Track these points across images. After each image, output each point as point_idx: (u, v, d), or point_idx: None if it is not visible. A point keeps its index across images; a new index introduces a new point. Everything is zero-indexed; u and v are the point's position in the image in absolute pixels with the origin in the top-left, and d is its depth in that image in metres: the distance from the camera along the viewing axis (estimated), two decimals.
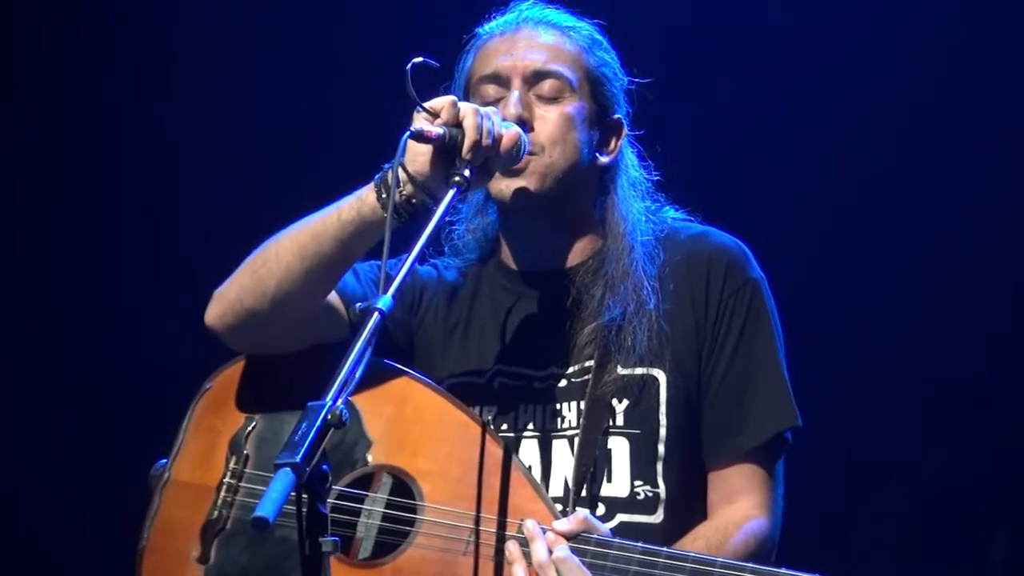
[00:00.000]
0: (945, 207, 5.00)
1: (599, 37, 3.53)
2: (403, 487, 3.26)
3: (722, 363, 3.39)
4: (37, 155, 5.37)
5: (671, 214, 3.56)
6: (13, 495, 5.33)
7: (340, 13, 5.31)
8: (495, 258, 3.57)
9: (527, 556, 3.14)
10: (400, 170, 3.14)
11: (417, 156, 3.15)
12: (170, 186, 5.34)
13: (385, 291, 2.84)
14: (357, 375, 2.73)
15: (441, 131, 3.12)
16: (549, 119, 3.40)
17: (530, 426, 3.40)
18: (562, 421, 3.40)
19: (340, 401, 2.67)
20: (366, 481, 3.29)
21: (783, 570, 3.04)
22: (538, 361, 3.43)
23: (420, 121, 3.14)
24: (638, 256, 3.43)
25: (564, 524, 3.14)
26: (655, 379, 3.38)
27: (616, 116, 3.51)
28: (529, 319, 3.48)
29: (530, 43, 3.46)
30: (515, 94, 3.40)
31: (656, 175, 3.57)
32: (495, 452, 3.24)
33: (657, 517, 3.34)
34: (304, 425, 2.63)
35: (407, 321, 3.53)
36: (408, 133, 3.10)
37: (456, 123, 3.14)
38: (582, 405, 3.37)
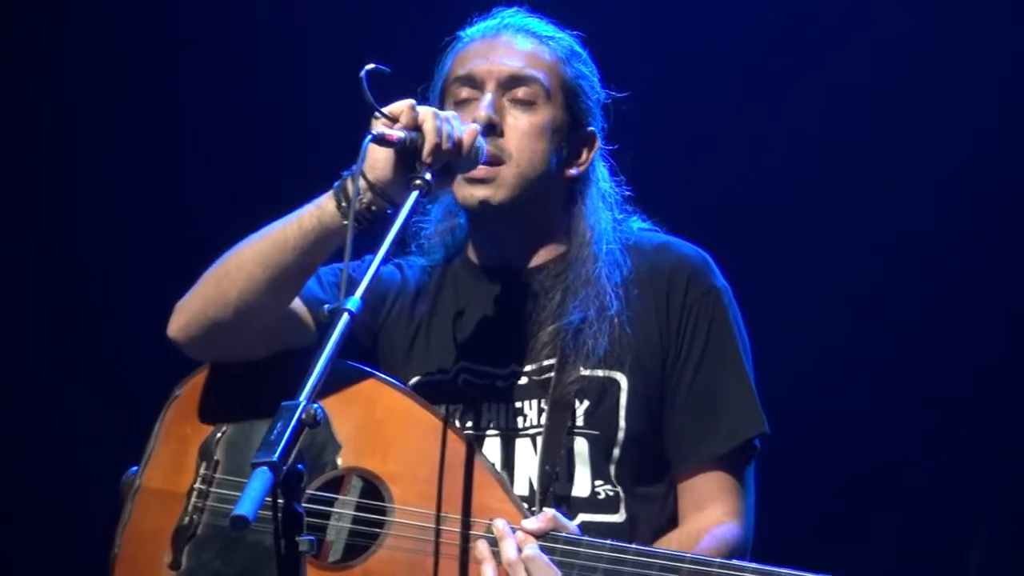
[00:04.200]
0: (942, 208, 5.07)
1: (579, 49, 3.56)
2: (373, 489, 3.29)
3: (687, 372, 3.42)
4: (15, 159, 5.39)
5: (637, 224, 3.59)
6: None
7: (329, 19, 5.33)
8: (461, 255, 3.61)
9: (497, 555, 3.16)
10: (359, 179, 3.17)
11: (376, 162, 3.18)
12: (137, 193, 5.35)
13: (351, 293, 2.88)
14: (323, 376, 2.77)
15: (401, 135, 3.15)
16: (519, 127, 3.43)
17: (493, 424, 3.44)
18: (524, 420, 3.43)
19: (312, 401, 2.70)
20: (336, 484, 3.32)
21: (750, 564, 3.06)
22: (500, 359, 3.47)
23: (379, 126, 3.17)
24: (602, 264, 3.46)
25: (533, 523, 3.17)
26: (616, 382, 3.41)
27: (589, 129, 3.54)
28: (491, 316, 3.52)
29: (508, 48, 3.49)
30: (488, 97, 3.43)
31: (627, 190, 3.60)
32: (462, 452, 3.27)
33: (620, 516, 3.37)
34: (280, 425, 2.66)
35: (370, 322, 3.56)
36: (369, 138, 3.13)
37: (415, 127, 3.17)
38: (543, 404, 3.41)
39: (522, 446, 3.41)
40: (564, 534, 3.16)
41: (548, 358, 3.42)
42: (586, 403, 3.39)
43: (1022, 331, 5.00)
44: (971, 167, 5.06)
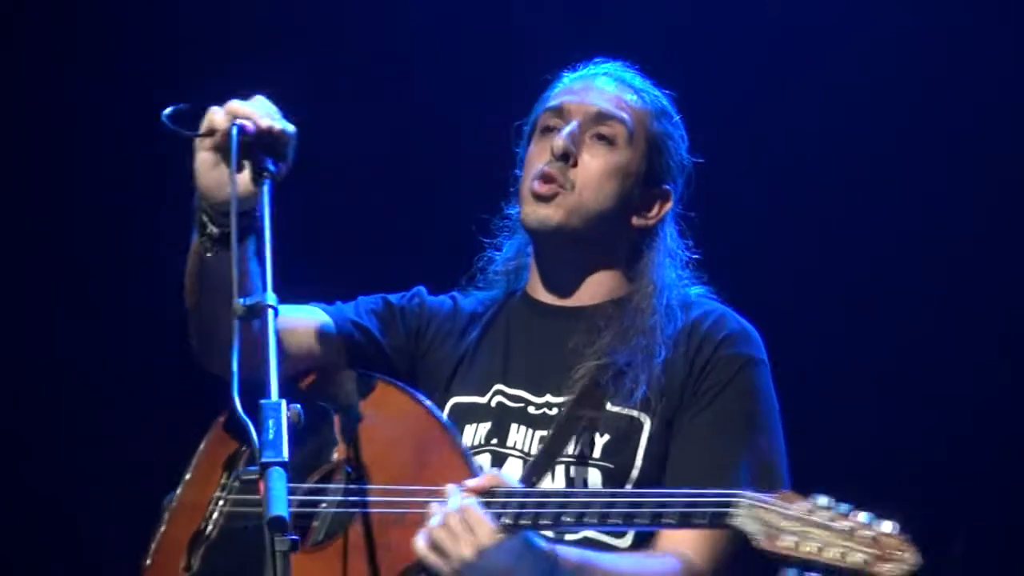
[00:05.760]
0: (942, 208, 5.10)
1: (671, 110, 3.66)
2: (360, 477, 3.40)
3: (690, 419, 3.43)
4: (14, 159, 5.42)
5: (696, 290, 3.64)
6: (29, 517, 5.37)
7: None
8: (521, 291, 3.70)
9: None
10: (205, 211, 3.30)
11: (212, 189, 3.27)
12: (137, 194, 5.38)
13: (264, 287, 2.99)
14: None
15: (251, 125, 3.22)
16: (593, 164, 3.53)
17: (517, 447, 3.51)
18: None
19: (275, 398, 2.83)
20: (331, 476, 3.44)
21: (682, 490, 3.11)
22: (537, 386, 3.54)
23: (208, 143, 3.25)
24: (659, 317, 3.51)
25: (474, 481, 3.24)
26: (640, 423, 3.45)
27: (666, 187, 3.61)
28: (536, 346, 3.59)
29: (602, 91, 3.60)
30: (572, 124, 3.54)
31: (695, 254, 3.66)
32: (438, 434, 3.38)
33: (625, 542, 3.41)
34: (273, 423, 2.76)
35: (410, 348, 3.67)
36: (236, 129, 3.19)
37: (232, 113, 3.24)
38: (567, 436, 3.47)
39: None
40: (503, 488, 3.21)
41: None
42: (607, 437, 3.44)
43: (1021, 331, 5.03)
44: (971, 166, 5.08)
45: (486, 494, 3.20)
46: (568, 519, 3.13)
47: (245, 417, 2.84)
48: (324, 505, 3.39)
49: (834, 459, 4.99)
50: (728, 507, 2.97)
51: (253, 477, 2.77)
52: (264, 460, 2.70)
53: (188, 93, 5.15)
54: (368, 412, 3.46)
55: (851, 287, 5.16)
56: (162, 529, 3.57)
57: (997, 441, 4.99)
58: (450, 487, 3.23)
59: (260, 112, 3.25)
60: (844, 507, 2.92)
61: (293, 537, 2.75)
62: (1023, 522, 5.00)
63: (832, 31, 5.14)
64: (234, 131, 3.19)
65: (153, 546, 3.56)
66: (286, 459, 2.70)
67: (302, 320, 3.59)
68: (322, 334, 3.58)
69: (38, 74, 5.37)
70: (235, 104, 3.26)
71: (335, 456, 3.43)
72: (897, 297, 5.09)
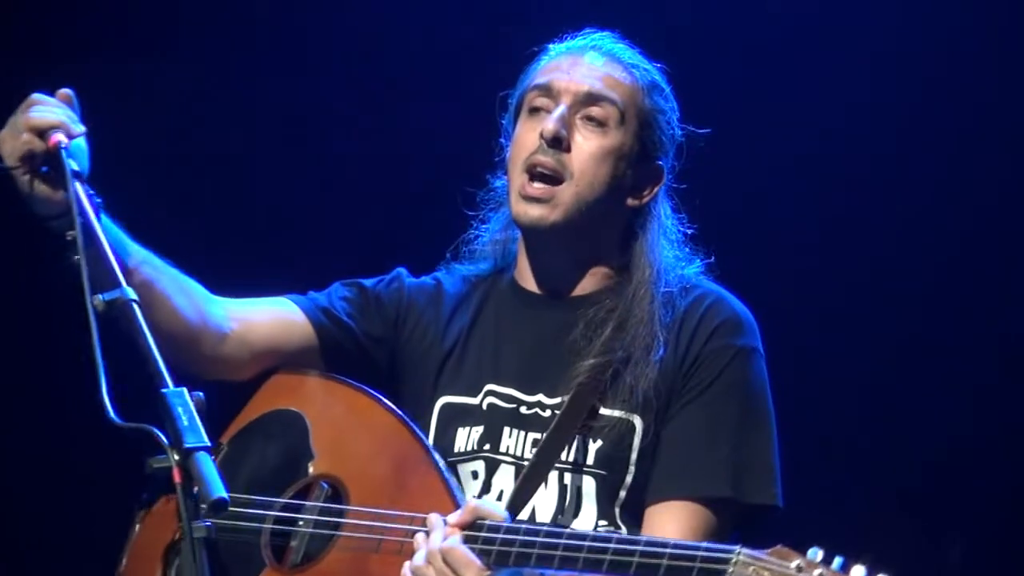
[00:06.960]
0: (941, 206, 5.07)
1: (662, 83, 3.59)
2: (336, 493, 3.36)
3: (678, 413, 3.40)
4: None
5: (694, 269, 3.58)
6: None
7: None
8: (509, 274, 3.64)
9: None
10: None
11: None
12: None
13: (117, 282, 2.92)
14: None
15: (65, 137, 3.16)
16: (587, 147, 3.47)
17: (509, 452, 3.45)
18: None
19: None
20: (307, 491, 3.40)
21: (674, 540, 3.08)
22: (528, 385, 3.49)
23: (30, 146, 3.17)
24: (658, 305, 3.46)
25: (455, 516, 3.20)
26: (632, 425, 3.40)
27: (658, 163, 3.55)
28: (529, 342, 3.53)
29: (591, 67, 3.53)
30: (560, 109, 3.47)
31: (690, 228, 3.61)
32: (417, 454, 3.33)
33: None
34: (183, 410, 2.72)
35: (388, 337, 3.60)
36: (63, 151, 3.13)
37: (39, 129, 3.16)
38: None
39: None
40: (488, 522, 3.17)
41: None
42: (599, 442, 3.40)
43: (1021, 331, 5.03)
44: (971, 164, 5.07)
45: (470, 528, 3.17)
46: (555, 562, 3.09)
47: (122, 421, 2.77)
48: (301, 524, 3.35)
49: (833, 458, 5.01)
50: (721, 564, 2.95)
51: (166, 465, 2.71)
52: (187, 445, 2.66)
53: (189, 90, 5.27)
54: (344, 422, 3.43)
55: (847, 282, 5.14)
56: (135, 534, 3.51)
57: (997, 441, 4.98)
58: (433, 518, 3.20)
59: (63, 118, 3.18)
60: (838, 563, 2.89)
61: (207, 523, 2.70)
62: (1022, 523, 5.01)
63: (830, 11, 5.13)
64: (62, 150, 3.13)
65: (127, 552, 3.51)
66: (208, 443, 2.67)
67: (262, 311, 3.55)
68: (288, 326, 3.52)
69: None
70: (35, 119, 3.17)
71: (311, 470, 3.40)
72: (895, 292, 5.07)
